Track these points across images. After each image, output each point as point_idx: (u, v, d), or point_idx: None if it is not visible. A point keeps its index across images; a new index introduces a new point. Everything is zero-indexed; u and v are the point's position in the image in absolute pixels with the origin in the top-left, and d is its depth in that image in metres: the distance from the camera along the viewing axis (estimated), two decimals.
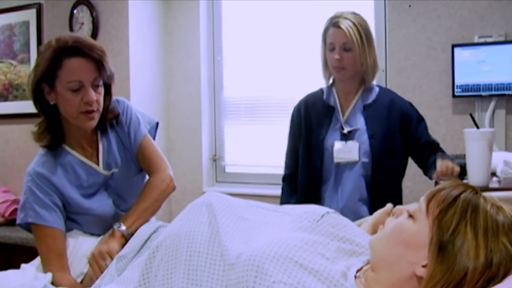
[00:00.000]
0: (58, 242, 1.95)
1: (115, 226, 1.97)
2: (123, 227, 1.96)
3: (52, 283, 1.85)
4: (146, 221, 2.04)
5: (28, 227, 1.98)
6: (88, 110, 1.94)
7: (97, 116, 1.99)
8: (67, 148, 2.04)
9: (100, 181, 2.07)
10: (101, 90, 1.98)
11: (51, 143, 2.01)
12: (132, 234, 1.92)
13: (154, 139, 2.25)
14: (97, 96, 1.94)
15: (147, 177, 2.20)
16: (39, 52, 1.97)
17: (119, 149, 2.12)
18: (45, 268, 1.93)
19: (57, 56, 1.88)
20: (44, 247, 1.94)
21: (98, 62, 1.93)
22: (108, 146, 2.10)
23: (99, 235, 2.06)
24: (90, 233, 2.07)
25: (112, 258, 1.81)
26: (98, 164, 2.06)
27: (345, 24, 2.49)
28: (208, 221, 1.50)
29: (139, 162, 2.17)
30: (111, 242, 1.92)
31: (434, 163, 2.44)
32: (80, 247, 2.00)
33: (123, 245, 1.90)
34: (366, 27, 2.56)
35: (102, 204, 2.06)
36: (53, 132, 2.00)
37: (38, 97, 1.96)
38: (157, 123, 2.30)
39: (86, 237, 2.04)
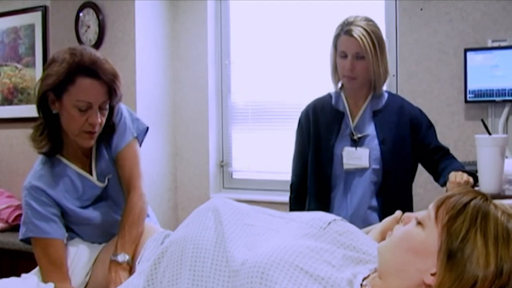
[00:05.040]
0: (59, 252, 1.96)
1: (114, 257, 1.92)
2: (126, 257, 1.93)
3: None
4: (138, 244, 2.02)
5: (30, 242, 1.99)
6: (90, 131, 1.95)
7: (96, 136, 2.00)
8: (65, 160, 2.05)
9: (98, 192, 2.08)
10: (106, 113, 2.00)
11: (50, 151, 2.01)
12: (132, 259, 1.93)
13: (141, 144, 2.25)
14: (101, 119, 1.96)
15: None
16: (51, 60, 1.95)
17: (109, 154, 2.13)
18: (46, 279, 1.93)
19: (72, 71, 1.88)
20: (44, 258, 1.95)
21: (110, 87, 1.95)
22: (101, 154, 2.11)
23: (99, 243, 2.08)
24: (90, 242, 2.09)
25: None
26: (92, 174, 2.07)
27: (357, 33, 2.43)
28: (214, 227, 1.48)
29: (118, 171, 2.14)
30: (121, 276, 1.88)
31: (446, 171, 2.42)
32: (81, 256, 2.01)
33: (129, 271, 1.89)
34: (379, 34, 2.50)
35: (100, 212, 2.07)
36: (53, 140, 2.00)
37: (42, 103, 1.95)
38: (147, 128, 2.27)
39: (87, 246, 2.06)
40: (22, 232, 1.97)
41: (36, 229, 1.93)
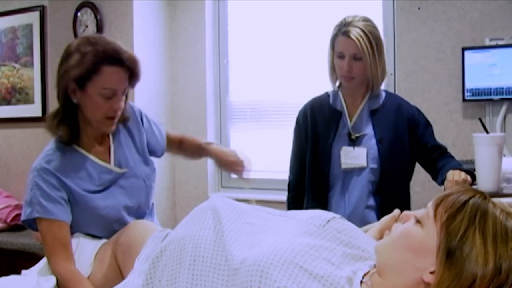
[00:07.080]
0: (64, 232, 1.98)
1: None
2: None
3: (56, 274, 1.91)
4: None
5: (33, 223, 2.00)
6: (113, 116, 2.02)
7: (116, 121, 2.08)
8: (78, 148, 2.07)
9: (112, 178, 2.10)
10: (126, 98, 2.08)
11: (67, 138, 2.04)
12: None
13: None
14: (123, 104, 2.06)
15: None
16: (67, 53, 1.99)
17: (129, 149, 2.18)
18: (51, 259, 1.95)
19: (97, 61, 1.94)
20: (49, 237, 1.96)
21: (132, 73, 2.03)
22: (119, 145, 2.15)
23: (100, 238, 2.08)
24: (91, 235, 2.09)
25: None
26: (109, 162, 2.11)
27: (355, 34, 2.42)
28: (213, 226, 1.49)
29: (179, 149, 2.54)
30: None
31: (444, 169, 2.42)
32: (83, 249, 2.01)
33: None
34: (377, 35, 2.48)
35: (109, 204, 2.07)
36: (71, 128, 2.04)
37: (62, 92, 2.00)
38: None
39: (89, 240, 2.06)
40: (26, 213, 1.97)
41: (42, 210, 1.94)
